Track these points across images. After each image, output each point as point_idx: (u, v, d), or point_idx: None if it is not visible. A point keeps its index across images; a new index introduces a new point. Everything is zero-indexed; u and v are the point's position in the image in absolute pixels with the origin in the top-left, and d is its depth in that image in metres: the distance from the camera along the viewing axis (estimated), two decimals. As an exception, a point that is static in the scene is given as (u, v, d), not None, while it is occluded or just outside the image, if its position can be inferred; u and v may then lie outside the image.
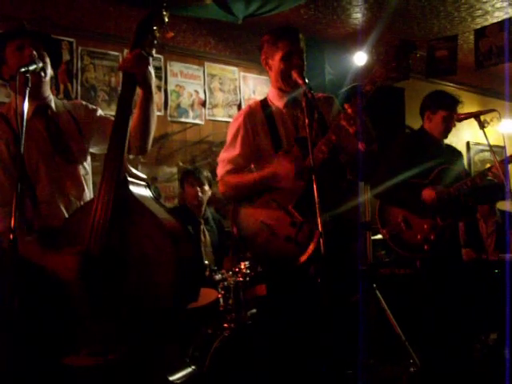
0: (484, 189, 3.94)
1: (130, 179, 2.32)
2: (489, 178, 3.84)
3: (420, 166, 3.84)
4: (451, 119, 3.98)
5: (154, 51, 2.45)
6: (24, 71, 2.19)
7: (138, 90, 2.46)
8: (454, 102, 4.02)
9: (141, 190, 2.36)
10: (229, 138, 2.96)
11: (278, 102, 2.93)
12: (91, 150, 2.71)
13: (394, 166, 3.87)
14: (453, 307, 3.84)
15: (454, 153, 4.19)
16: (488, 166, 3.95)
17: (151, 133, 2.56)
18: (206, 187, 4.64)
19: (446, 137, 4.08)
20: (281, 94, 2.91)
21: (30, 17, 4.61)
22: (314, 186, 2.22)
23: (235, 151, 2.90)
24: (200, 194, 4.57)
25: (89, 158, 2.71)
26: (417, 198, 3.84)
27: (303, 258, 2.61)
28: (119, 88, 2.33)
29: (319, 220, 2.18)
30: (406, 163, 3.85)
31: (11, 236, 1.96)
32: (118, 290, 2.19)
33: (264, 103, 2.97)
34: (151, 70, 2.44)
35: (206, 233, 4.59)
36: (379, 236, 4.30)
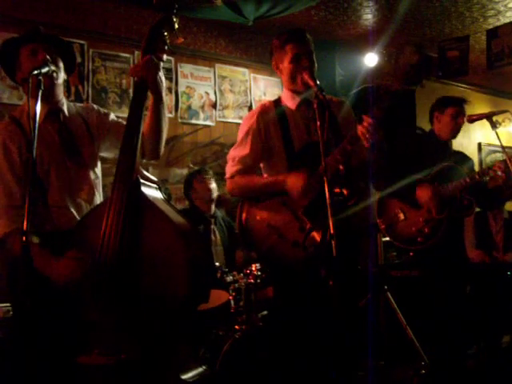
0: (485, 192, 3.94)
1: (142, 181, 2.33)
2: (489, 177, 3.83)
3: (426, 169, 3.85)
4: (459, 116, 4.02)
5: (164, 56, 2.48)
6: (36, 73, 2.20)
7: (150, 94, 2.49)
8: (460, 99, 4.12)
9: (152, 192, 2.38)
10: (240, 135, 2.97)
11: (290, 103, 2.93)
12: (103, 155, 2.72)
13: (400, 167, 3.88)
14: (463, 309, 3.82)
15: (464, 158, 4.19)
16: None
17: (163, 136, 2.59)
18: (214, 184, 4.67)
19: (454, 136, 4.09)
20: (294, 95, 2.92)
21: (41, 20, 4.63)
22: (326, 189, 2.22)
23: (245, 150, 2.91)
24: (211, 186, 4.61)
25: (99, 163, 2.73)
26: (412, 193, 3.86)
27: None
28: (130, 90, 2.36)
29: (331, 222, 2.18)
30: (412, 166, 3.85)
31: (24, 238, 1.97)
32: (130, 291, 2.20)
33: (277, 104, 2.98)
34: (162, 75, 2.48)
35: (217, 232, 4.60)
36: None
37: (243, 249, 4.47)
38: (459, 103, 4.06)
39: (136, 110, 2.41)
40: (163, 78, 2.50)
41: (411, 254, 4.02)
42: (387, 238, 4.51)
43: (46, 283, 2.28)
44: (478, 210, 4.57)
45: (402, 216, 3.94)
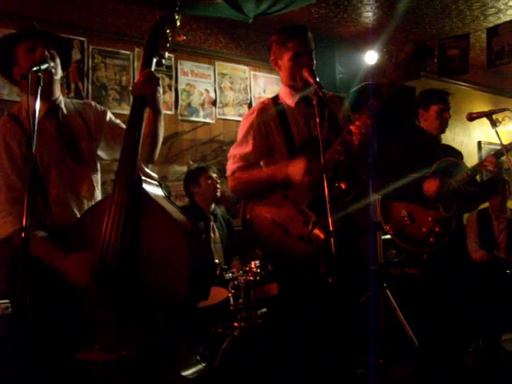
0: (485, 183, 3.93)
1: (143, 178, 2.33)
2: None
3: (425, 166, 3.83)
4: (444, 112, 3.98)
5: (166, 54, 2.49)
6: (36, 70, 2.20)
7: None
8: (443, 94, 4.04)
9: (154, 189, 2.38)
10: (241, 133, 2.95)
11: (289, 101, 2.93)
12: (99, 154, 2.72)
13: (395, 166, 3.86)
14: (463, 307, 3.82)
15: (454, 151, 4.17)
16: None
17: (158, 146, 2.60)
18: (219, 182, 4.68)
19: (443, 131, 4.06)
20: (292, 92, 2.91)
21: (41, 16, 4.63)
22: (325, 185, 2.22)
23: (247, 148, 2.90)
24: (217, 185, 4.61)
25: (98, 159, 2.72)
26: (419, 190, 3.83)
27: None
28: (130, 87, 2.36)
29: (330, 219, 2.18)
30: (407, 163, 3.83)
31: (23, 234, 1.97)
32: (131, 288, 2.21)
33: (276, 101, 2.97)
34: (160, 88, 2.49)
35: (216, 229, 4.60)
36: (389, 235, 4.29)
37: (241, 255, 4.48)
38: (442, 99, 4.00)
39: (138, 109, 2.42)
40: (161, 91, 2.51)
41: (425, 256, 3.94)
42: (387, 236, 4.51)
43: (53, 277, 2.28)
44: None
45: (409, 218, 3.90)
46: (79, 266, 2.25)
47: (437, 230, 3.76)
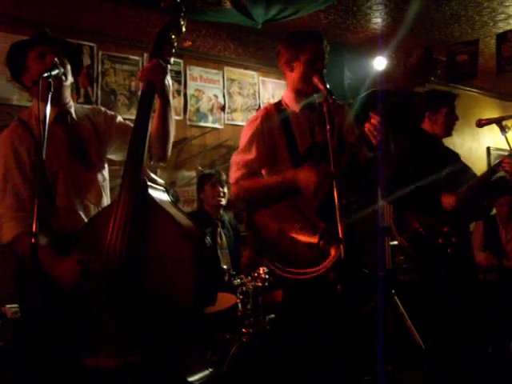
0: (492, 185, 3.86)
1: (149, 183, 2.34)
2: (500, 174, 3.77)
3: (429, 169, 3.78)
4: (453, 114, 3.95)
5: (172, 59, 2.50)
6: (47, 76, 2.21)
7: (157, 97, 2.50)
8: (452, 96, 4.00)
9: (159, 195, 2.38)
10: (244, 140, 2.92)
11: (293, 106, 2.91)
12: (110, 157, 2.73)
13: (401, 170, 3.81)
14: (472, 312, 3.79)
15: (454, 154, 4.13)
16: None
17: (170, 139, 2.60)
18: (226, 189, 4.68)
19: (450, 134, 4.02)
20: (298, 97, 2.90)
21: (51, 22, 4.66)
22: (335, 192, 2.21)
23: (250, 155, 2.87)
24: (222, 193, 4.62)
25: (106, 165, 2.74)
26: (434, 199, 3.78)
27: (326, 264, 2.58)
28: (139, 92, 2.37)
29: (340, 226, 2.17)
30: (413, 167, 3.78)
31: (33, 240, 1.98)
32: (137, 294, 2.21)
33: (279, 106, 2.95)
34: (169, 79, 2.49)
35: (223, 235, 4.61)
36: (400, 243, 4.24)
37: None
38: (452, 102, 3.96)
39: (143, 112, 2.42)
40: (170, 82, 2.52)
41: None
42: (395, 242, 4.48)
43: (53, 284, 2.29)
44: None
45: (424, 229, 3.81)
46: (66, 268, 2.27)
47: (454, 240, 3.68)
